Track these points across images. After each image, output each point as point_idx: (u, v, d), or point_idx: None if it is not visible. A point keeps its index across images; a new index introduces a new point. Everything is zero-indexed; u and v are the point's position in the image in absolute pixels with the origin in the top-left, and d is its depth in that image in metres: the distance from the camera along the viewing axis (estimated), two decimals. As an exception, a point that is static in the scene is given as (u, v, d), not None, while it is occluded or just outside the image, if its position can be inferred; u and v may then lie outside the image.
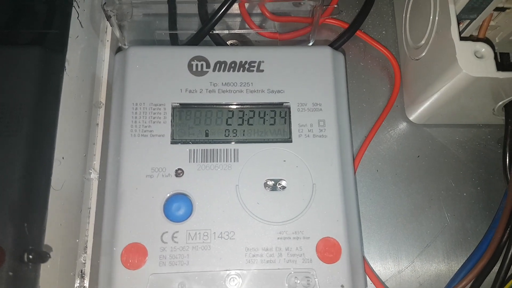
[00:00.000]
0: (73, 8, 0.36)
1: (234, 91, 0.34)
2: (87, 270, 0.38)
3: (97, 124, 0.41)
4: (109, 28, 0.43)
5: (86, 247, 0.38)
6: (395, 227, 0.38)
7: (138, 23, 0.42)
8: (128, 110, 0.33)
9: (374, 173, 0.39)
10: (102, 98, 0.41)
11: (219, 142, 0.33)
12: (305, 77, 0.35)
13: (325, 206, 0.32)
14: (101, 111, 0.41)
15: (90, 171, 0.39)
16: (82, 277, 0.38)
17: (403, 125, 0.41)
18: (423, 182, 0.39)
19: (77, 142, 0.37)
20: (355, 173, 0.36)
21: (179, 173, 0.32)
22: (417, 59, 0.39)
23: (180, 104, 0.34)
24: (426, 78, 0.37)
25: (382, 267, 0.37)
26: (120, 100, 0.34)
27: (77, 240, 0.37)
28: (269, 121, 0.34)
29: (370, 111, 0.41)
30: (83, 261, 0.38)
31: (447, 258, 0.38)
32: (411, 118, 0.41)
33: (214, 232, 0.31)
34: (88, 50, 0.40)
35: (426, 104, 0.38)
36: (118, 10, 0.39)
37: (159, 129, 0.33)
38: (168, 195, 0.32)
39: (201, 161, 0.33)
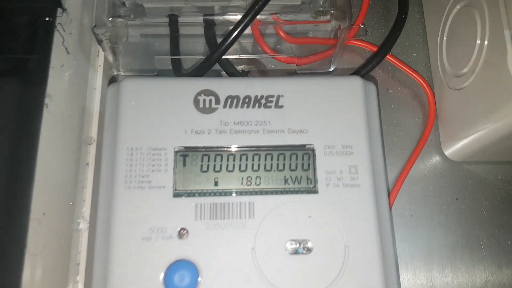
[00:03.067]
0: (56, 32, 0.29)
1: (249, 131, 0.27)
2: None
3: (87, 164, 0.34)
4: (102, 52, 0.36)
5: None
6: (432, 281, 0.31)
7: (135, 45, 0.35)
8: (122, 156, 0.27)
9: (408, 219, 0.33)
10: (94, 132, 0.35)
11: (231, 194, 0.27)
12: (332, 114, 0.28)
13: (360, 274, 0.25)
14: (92, 148, 0.34)
15: (79, 220, 0.33)
16: None
17: (439, 162, 0.34)
18: (463, 228, 0.33)
19: (62, 191, 0.30)
20: (393, 228, 0.29)
21: (183, 234, 0.26)
22: (458, 89, 0.32)
23: (185, 147, 0.27)
24: (470, 112, 0.31)
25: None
26: (112, 144, 0.27)
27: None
28: (291, 167, 0.27)
29: (401, 146, 0.34)
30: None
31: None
32: (448, 154, 0.34)
33: (226, 308, 0.25)
34: (77, 78, 0.33)
35: (468, 140, 0.32)
36: (111, 32, 0.33)
37: (159, 179, 0.26)
38: (170, 262, 0.25)
39: (210, 218, 0.26)
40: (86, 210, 0.33)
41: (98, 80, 0.36)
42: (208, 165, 0.27)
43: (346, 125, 0.28)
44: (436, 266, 0.32)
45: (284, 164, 0.27)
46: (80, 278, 0.32)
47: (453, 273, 0.32)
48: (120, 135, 0.27)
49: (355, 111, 0.28)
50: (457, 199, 0.33)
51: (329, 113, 0.28)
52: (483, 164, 0.34)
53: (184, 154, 0.27)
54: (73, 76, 0.33)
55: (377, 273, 0.25)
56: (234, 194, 0.27)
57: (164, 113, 0.27)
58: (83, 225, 0.33)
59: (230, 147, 0.27)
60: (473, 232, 0.33)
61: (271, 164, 0.27)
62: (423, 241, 0.32)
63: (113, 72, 0.35)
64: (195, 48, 0.34)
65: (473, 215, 0.33)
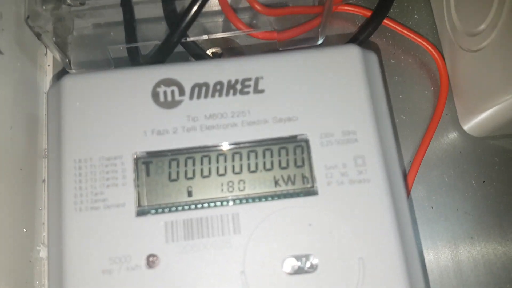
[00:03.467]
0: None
1: (224, 126, 0.22)
2: None
3: (43, 181, 0.29)
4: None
5: None
6: (463, 284, 0.26)
7: (86, 38, 0.29)
8: (69, 171, 0.21)
9: (428, 211, 0.27)
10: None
11: (209, 205, 0.21)
12: (326, 94, 0.22)
13: (380, 291, 0.20)
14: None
15: (38, 247, 0.27)
16: None
17: (458, 140, 0.29)
18: (493, 217, 0.27)
19: (11, 217, 0.25)
20: (416, 228, 0.24)
21: (152, 261, 0.20)
22: (474, 51, 0.26)
23: (147, 153, 0.22)
24: (490, 78, 0.25)
25: None
26: (56, 157, 0.22)
27: None
28: (281, 165, 0.22)
29: (412, 126, 0.29)
30: None
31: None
32: (467, 129, 0.29)
33: None
34: (20, 84, 0.28)
35: (491, 112, 0.26)
36: (54, 22, 0.27)
37: (117, 195, 0.21)
38: (139, 298, 0.20)
39: (185, 239, 0.21)
40: (46, 235, 0.28)
41: (48, 82, 0.30)
42: (178, 172, 0.22)
43: (345, 106, 0.22)
44: (467, 265, 0.26)
45: (272, 162, 0.22)
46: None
47: (487, 271, 0.26)
48: (64, 145, 0.21)
49: (355, 88, 0.22)
50: (484, 182, 0.28)
51: (323, 93, 0.22)
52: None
53: (147, 161, 0.21)
54: (15, 80, 0.27)
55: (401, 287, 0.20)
56: (213, 205, 0.21)
57: (116, 113, 0.22)
58: (44, 253, 0.27)
59: (203, 148, 0.22)
60: (507, 220, 0.27)
61: (256, 164, 0.22)
62: (448, 236, 0.27)
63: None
64: (156, 34, 0.28)
65: (505, 200, 0.28)
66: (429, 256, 0.26)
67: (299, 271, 0.20)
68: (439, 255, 0.26)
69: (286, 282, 0.20)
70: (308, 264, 0.20)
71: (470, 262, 0.26)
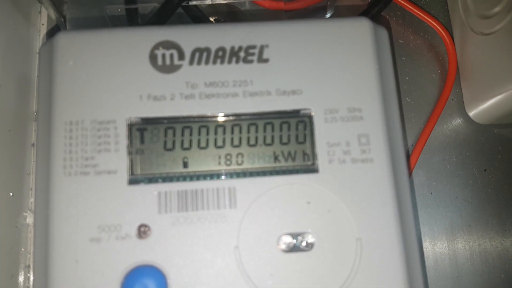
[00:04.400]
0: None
1: (225, 95, 0.21)
2: None
3: (33, 145, 0.27)
4: (44, 8, 0.29)
5: (24, 324, 0.25)
6: (458, 271, 0.26)
7: (83, -4, 0.28)
8: (59, 134, 0.20)
9: (427, 197, 0.27)
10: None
11: (205, 178, 0.20)
12: (334, 68, 0.21)
13: (377, 274, 0.19)
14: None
15: (25, 213, 0.26)
16: None
17: (462, 127, 0.28)
18: (493, 206, 0.27)
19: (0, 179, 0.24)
20: (416, 213, 0.23)
21: (143, 231, 0.19)
22: (486, 34, 0.25)
23: (142, 119, 0.20)
24: (501, 64, 0.24)
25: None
26: (46, 119, 0.20)
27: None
28: (281, 140, 0.21)
29: (416, 109, 0.28)
30: None
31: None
32: (473, 116, 0.28)
33: (204, 326, 0.19)
34: (11, 43, 0.26)
35: (498, 99, 0.25)
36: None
37: (109, 161, 0.20)
38: (128, 269, 0.19)
39: (178, 210, 0.20)
40: (33, 201, 0.27)
41: (41, 42, 0.29)
42: (174, 142, 0.20)
43: (352, 82, 0.21)
44: (462, 253, 0.26)
45: (273, 137, 0.21)
46: (32, 282, 0.26)
47: (482, 260, 0.26)
48: (55, 105, 0.20)
49: (363, 64, 0.21)
50: (485, 170, 0.27)
51: (330, 66, 0.21)
52: (517, 126, 0.28)
53: (142, 127, 0.20)
54: (6, 37, 0.25)
55: (398, 271, 0.19)
56: (209, 178, 0.20)
57: (111, 75, 0.20)
58: (31, 219, 0.26)
59: (202, 117, 0.21)
60: (506, 210, 0.27)
61: (256, 137, 0.21)
62: (446, 223, 0.26)
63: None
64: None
65: (505, 189, 0.27)
66: (425, 243, 0.26)
67: (294, 249, 0.20)
68: (435, 242, 0.26)
69: (280, 259, 0.19)
70: (304, 243, 0.20)
71: (466, 250, 0.26)
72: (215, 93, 0.21)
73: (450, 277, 0.25)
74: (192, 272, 0.19)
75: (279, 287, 0.19)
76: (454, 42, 0.28)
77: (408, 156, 0.26)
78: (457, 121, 0.28)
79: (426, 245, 0.26)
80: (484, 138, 0.28)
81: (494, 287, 0.25)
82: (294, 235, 0.20)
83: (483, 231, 0.26)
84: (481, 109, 0.27)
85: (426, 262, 0.25)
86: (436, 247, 0.26)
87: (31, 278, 0.26)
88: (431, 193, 0.27)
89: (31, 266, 0.26)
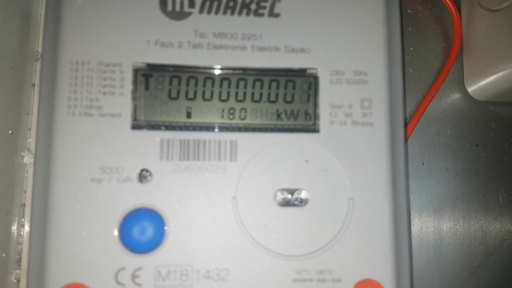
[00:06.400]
0: None
1: (233, 47, 0.20)
2: (21, 291, 0.26)
3: (33, 85, 0.27)
4: None
5: (20, 259, 0.26)
6: (440, 239, 0.27)
7: None
8: (64, 73, 0.20)
9: (418, 166, 0.27)
10: (41, 46, 0.27)
11: (208, 129, 0.20)
12: (344, 29, 0.21)
13: (366, 232, 0.20)
14: (39, 66, 0.27)
15: (23, 153, 0.26)
16: (14, 301, 0.26)
17: (459, 101, 0.28)
18: (480, 180, 0.27)
19: (-3, 117, 0.23)
20: (408, 180, 0.24)
21: (144, 176, 0.20)
22: (494, 10, 0.25)
23: (148, 65, 0.20)
24: (506, 41, 0.24)
25: (426, 299, 0.26)
26: (52, 57, 0.20)
27: (4, 255, 0.25)
28: (285, 98, 0.21)
29: (417, 80, 0.28)
30: (15, 280, 0.26)
31: (504, 282, 0.27)
32: (471, 92, 0.28)
33: (198, 270, 0.19)
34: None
35: (498, 76, 0.26)
36: None
37: (113, 104, 0.20)
38: (127, 210, 0.19)
39: (180, 159, 0.20)
40: (31, 141, 0.26)
41: (46, -21, 0.28)
42: (178, 91, 0.20)
43: (361, 44, 0.21)
44: (446, 222, 0.27)
45: (277, 94, 0.21)
46: (26, 220, 0.26)
47: (465, 230, 0.27)
48: (61, 44, 0.20)
49: (373, 27, 0.21)
50: (477, 145, 0.28)
51: (340, 27, 0.21)
52: None
53: (147, 73, 0.20)
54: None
55: (386, 231, 0.20)
56: (212, 129, 0.20)
57: (120, 17, 0.20)
58: (28, 159, 0.26)
59: (208, 68, 0.20)
60: (492, 185, 0.27)
61: (261, 94, 0.21)
62: (434, 193, 0.27)
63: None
64: None
65: (494, 165, 0.28)
66: (412, 210, 0.27)
67: (289, 203, 0.20)
68: (422, 210, 0.27)
69: (275, 212, 0.20)
70: (298, 198, 0.20)
71: (450, 220, 0.27)
72: (223, 44, 0.20)
73: (433, 244, 0.26)
74: (190, 219, 0.19)
75: (272, 238, 0.20)
76: (461, 17, 0.28)
77: (405, 125, 0.26)
78: (455, 96, 0.28)
79: (413, 212, 0.27)
80: (479, 114, 0.28)
81: (473, 256, 0.26)
82: (290, 191, 0.20)
83: (468, 203, 0.27)
84: (480, 85, 0.27)
85: (412, 228, 0.26)
86: (422, 215, 0.27)
87: (26, 215, 0.26)
88: (423, 163, 0.27)
89: (27, 204, 0.26)
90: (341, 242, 0.20)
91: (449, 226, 0.27)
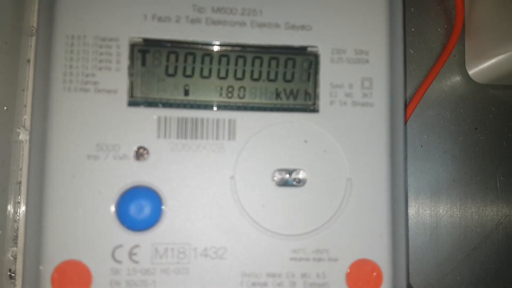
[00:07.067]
0: None
1: (232, 23, 0.20)
2: (18, 268, 0.26)
3: (28, 61, 0.26)
4: None
5: (17, 237, 0.26)
6: (437, 221, 0.27)
7: None
8: (60, 48, 0.19)
9: (417, 149, 0.27)
10: (36, 21, 0.27)
11: (206, 107, 0.20)
12: (346, 7, 0.20)
13: (363, 213, 0.20)
14: (34, 41, 0.26)
15: (18, 130, 0.26)
16: (11, 278, 0.26)
17: (460, 84, 0.28)
18: (478, 164, 0.27)
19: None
20: (406, 161, 0.24)
21: (141, 153, 0.19)
22: (498, -10, 0.25)
23: (144, 40, 0.20)
24: (509, 23, 0.24)
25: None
26: (47, 31, 0.20)
27: (0, 232, 0.25)
28: (285, 77, 0.20)
29: (417, 61, 0.27)
30: (12, 257, 0.26)
31: (498, 265, 0.27)
32: (472, 74, 0.28)
33: (195, 248, 0.19)
34: None
35: (500, 59, 0.25)
36: None
37: (109, 80, 0.19)
38: (124, 188, 0.19)
39: (177, 137, 0.20)
40: (27, 117, 0.26)
41: (40, -49, 0.27)
42: (176, 67, 0.20)
43: (362, 23, 0.20)
44: (443, 205, 0.27)
45: (276, 73, 0.20)
46: (22, 198, 0.26)
47: (461, 213, 0.27)
48: (57, 18, 0.19)
49: (376, 6, 0.20)
50: (476, 128, 0.27)
51: (342, 5, 0.20)
52: None
53: (144, 49, 0.20)
54: None
55: (384, 212, 0.20)
56: (210, 108, 0.20)
57: (116, -10, 0.19)
58: (24, 136, 0.26)
59: (206, 44, 0.20)
60: (490, 169, 0.27)
61: (260, 72, 0.20)
62: (432, 176, 0.27)
63: None
64: None
65: (492, 149, 0.27)
66: (410, 192, 0.27)
67: (287, 183, 0.20)
68: (419, 192, 0.27)
69: (273, 192, 0.20)
70: (296, 179, 0.20)
71: (447, 203, 0.27)
72: (222, 20, 0.20)
73: (429, 226, 0.26)
74: (187, 197, 0.19)
75: (270, 217, 0.20)
76: (464, -3, 0.27)
77: (405, 107, 0.26)
78: (456, 78, 0.28)
79: (411, 195, 0.26)
80: (479, 97, 0.28)
81: (469, 239, 0.27)
82: (288, 171, 0.20)
83: (466, 186, 0.27)
84: (481, 68, 0.27)
85: (409, 210, 0.26)
86: (419, 197, 0.27)
87: (22, 193, 0.26)
88: (421, 146, 0.27)
89: (23, 182, 0.26)
90: (339, 222, 0.20)
91: (446, 208, 0.27)
